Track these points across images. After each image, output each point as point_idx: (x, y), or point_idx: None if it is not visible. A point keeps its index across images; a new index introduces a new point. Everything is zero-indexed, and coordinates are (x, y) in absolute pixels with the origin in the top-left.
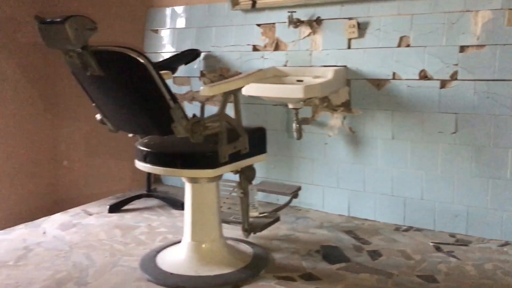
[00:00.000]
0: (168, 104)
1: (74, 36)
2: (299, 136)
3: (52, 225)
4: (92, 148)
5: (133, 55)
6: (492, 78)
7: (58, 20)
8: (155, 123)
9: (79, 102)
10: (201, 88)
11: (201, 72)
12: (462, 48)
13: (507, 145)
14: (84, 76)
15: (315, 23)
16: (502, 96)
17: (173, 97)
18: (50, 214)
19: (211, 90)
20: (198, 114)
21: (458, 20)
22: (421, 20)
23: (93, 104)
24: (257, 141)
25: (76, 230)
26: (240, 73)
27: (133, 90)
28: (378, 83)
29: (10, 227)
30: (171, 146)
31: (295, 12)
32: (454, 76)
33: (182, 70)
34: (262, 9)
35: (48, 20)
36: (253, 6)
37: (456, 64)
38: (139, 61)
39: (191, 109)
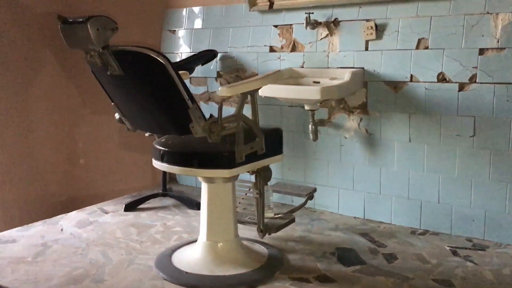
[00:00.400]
0: (187, 104)
1: (96, 36)
2: (315, 138)
3: (69, 222)
4: (108, 146)
5: (153, 55)
6: None
7: (80, 20)
8: (173, 122)
9: (97, 100)
10: (219, 88)
11: (218, 72)
12: (482, 51)
13: None
14: (104, 75)
15: (332, 25)
16: None
17: (191, 97)
18: (67, 212)
19: (229, 91)
20: (215, 114)
21: (478, 22)
22: (440, 22)
23: (112, 103)
24: (273, 142)
25: (92, 228)
26: (256, 74)
27: (152, 89)
28: (396, 85)
29: (28, 223)
30: (188, 146)
31: (312, 13)
32: (473, 79)
33: (198, 70)
34: (279, 10)
35: (70, 20)
36: (271, 7)
37: (475, 67)
38: (158, 61)
39: (207, 109)
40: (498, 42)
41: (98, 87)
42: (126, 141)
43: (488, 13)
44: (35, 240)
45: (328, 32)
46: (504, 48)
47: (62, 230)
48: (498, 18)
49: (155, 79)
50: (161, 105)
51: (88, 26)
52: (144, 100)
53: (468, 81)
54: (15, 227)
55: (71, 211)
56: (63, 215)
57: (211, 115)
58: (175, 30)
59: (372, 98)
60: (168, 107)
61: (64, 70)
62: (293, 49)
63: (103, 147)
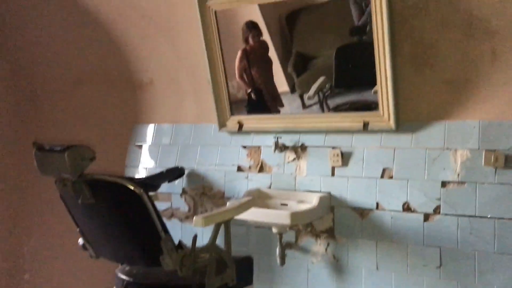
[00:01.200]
0: (159, 235)
1: (72, 166)
2: (282, 262)
3: None
4: (59, 262)
5: (130, 186)
6: (474, 215)
7: (58, 149)
8: (142, 253)
9: (52, 215)
10: (194, 218)
11: (183, 189)
12: (444, 183)
13: (492, 282)
14: (73, 201)
15: (300, 149)
16: (484, 233)
17: (165, 227)
18: None
19: (204, 222)
20: (180, 233)
21: (439, 156)
22: (403, 154)
23: (77, 229)
24: (244, 272)
25: None
26: (223, 193)
27: (124, 218)
28: (362, 212)
29: None
30: (155, 277)
31: (280, 137)
32: (437, 210)
33: (163, 185)
34: (248, 132)
35: (46, 148)
36: (240, 130)
37: (439, 199)
38: (134, 192)
39: (169, 226)
40: (458, 176)
41: (53, 194)
42: (80, 258)
43: (448, 148)
44: None
45: (295, 156)
46: (464, 182)
47: None
48: (457, 153)
49: (129, 208)
50: (131, 235)
51: (66, 156)
52: (114, 228)
53: (432, 212)
54: None
55: None
56: None
57: (179, 243)
58: (141, 145)
59: (338, 223)
60: (139, 237)
61: (16, 177)
62: (261, 170)
63: (53, 261)
